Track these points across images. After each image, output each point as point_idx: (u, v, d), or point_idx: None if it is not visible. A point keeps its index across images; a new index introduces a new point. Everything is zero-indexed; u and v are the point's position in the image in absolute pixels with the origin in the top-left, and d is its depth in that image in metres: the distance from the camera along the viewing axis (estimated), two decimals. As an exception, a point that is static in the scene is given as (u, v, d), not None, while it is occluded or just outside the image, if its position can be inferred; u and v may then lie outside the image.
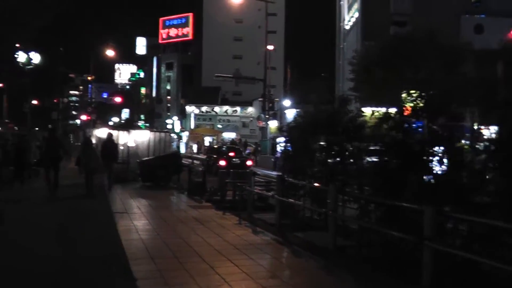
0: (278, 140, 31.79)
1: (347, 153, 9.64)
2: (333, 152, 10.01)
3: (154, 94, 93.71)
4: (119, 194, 15.91)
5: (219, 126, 68.34)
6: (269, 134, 38.03)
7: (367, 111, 11.19)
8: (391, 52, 33.95)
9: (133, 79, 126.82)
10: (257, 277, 6.59)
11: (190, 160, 22.62)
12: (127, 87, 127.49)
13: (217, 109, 69.61)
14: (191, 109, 68.33)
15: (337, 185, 8.52)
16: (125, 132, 20.79)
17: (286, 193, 10.60)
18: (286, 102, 40.01)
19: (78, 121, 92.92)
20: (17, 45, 20.90)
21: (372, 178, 8.06)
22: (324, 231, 9.48)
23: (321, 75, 61.91)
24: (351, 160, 9.54)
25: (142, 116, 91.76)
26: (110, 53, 56.06)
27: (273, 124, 38.65)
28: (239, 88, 74.51)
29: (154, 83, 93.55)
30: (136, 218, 11.18)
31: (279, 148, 31.63)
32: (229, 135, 61.27)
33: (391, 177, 7.49)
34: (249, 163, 27.59)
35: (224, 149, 28.87)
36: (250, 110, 69.20)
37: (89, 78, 47.74)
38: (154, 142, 20.99)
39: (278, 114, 40.92)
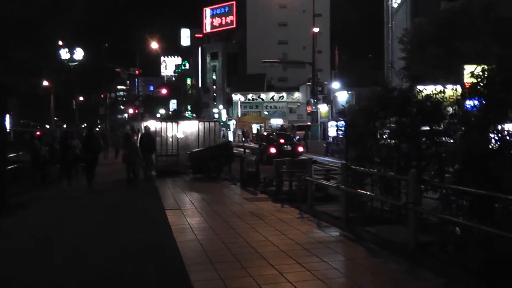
0: (329, 124, 30.64)
1: (423, 136, 8.51)
2: (405, 136, 8.94)
3: (200, 84, 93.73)
4: (170, 188, 15.29)
5: (266, 113, 67.35)
6: (319, 118, 36.83)
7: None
8: (445, 27, 32.20)
9: (178, 70, 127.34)
10: (336, 284, 5.67)
11: (241, 150, 21.82)
12: (173, 78, 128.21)
13: (263, 96, 68.56)
14: (237, 97, 67.57)
15: (415, 173, 7.44)
16: (174, 123, 20.13)
17: (351, 182, 9.62)
18: (336, 85, 38.55)
19: (126, 115, 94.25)
20: (60, 42, 20.54)
21: (460, 164, 6.94)
22: (397, 225, 8.48)
23: (368, 57, 60.13)
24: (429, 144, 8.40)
25: (189, 107, 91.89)
26: (154, 45, 55.83)
27: (323, 108, 37.36)
28: (285, 73, 73.60)
29: (200, 74, 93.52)
30: (190, 215, 10.44)
31: (331, 133, 30.54)
32: (276, 122, 60.27)
33: (483, 164, 6.39)
34: (300, 149, 26.57)
35: (273, 136, 27.96)
36: (297, 95, 67.84)
37: (136, 72, 47.50)
38: (203, 133, 20.24)
39: (328, 98, 39.58)
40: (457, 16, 31.86)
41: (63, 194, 14.69)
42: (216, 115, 71.68)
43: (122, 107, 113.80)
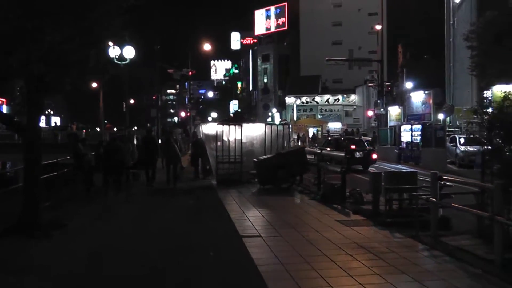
0: (403, 128, 27.55)
1: None
2: None
3: (250, 87, 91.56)
4: (238, 204, 12.78)
5: (319, 116, 64.45)
6: (388, 121, 33.63)
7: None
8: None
9: (228, 74, 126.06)
10: None
11: (314, 156, 19.11)
12: (223, 82, 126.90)
13: (317, 98, 65.71)
14: (291, 100, 64.97)
15: None
16: (237, 127, 17.65)
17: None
18: (408, 85, 35.18)
19: (175, 119, 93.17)
20: (110, 43, 18.87)
21: None
22: None
23: (423, 57, 56.48)
24: None
25: (239, 110, 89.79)
26: (207, 47, 54.04)
27: (394, 111, 34.08)
28: (340, 75, 70.45)
29: (251, 76, 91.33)
30: (278, 247, 7.83)
31: (404, 137, 27.44)
32: (334, 125, 57.23)
33: None
34: (374, 156, 23.66)
35: (342, 140, 25.19)
36: (353, 97, 64.85)
37: (189, 73, 45.49)
38: (270, 137, 17.69)
39: (399, 99, 36.30)
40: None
41: (108, 208, 12.53)
42: (269, 119, 69.15)
43: (171, 110, 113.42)
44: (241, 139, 17.48)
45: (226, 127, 17.64)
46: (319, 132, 53.21)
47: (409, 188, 9.85)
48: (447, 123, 28.97)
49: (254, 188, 15.83)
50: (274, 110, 72.28)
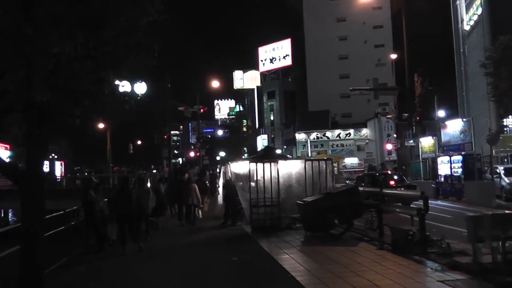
0: (440, 160, 25.19)
1: None
2: None
3: (257, 125, 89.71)
4: (294, 258, 10.27)
5: (330, 151, 62.26)
6: (420, 154, 31.25)
7: None
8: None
9: (232, 113, 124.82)
10: None
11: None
12: (227, 121, 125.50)
13: (328, 133, 63.67)
14: (301, 136, 62.93)
15: None
16: (272, 164, 15.22)
17: None
18: (441, 113, 32.96)
19: (180, 159, 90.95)
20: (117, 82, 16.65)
21: None
22: None
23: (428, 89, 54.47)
24: None
25: (245, 149, 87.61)
26: (215, 84, 52.36)
27: (426, 142, 31.70)
28: (349, 109, 69.13)
29: (256, 114, 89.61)
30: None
31: (442, 170, 25.10)
32: (351, 161, 54.99)
33: None
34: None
35: (378, 176, 22.79)
36: (365, 131, 62.73)
37: (201, 110, 43.39)
38: (311, 175, 15.28)
39: (431, 128, 33.98)
40: None
41: (127, 270, 10.09)
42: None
43: (175, 151, 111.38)
44: (278, 178, 15.08)
45: (259, 165, 15.22)
46: (335, 168, 50.82)
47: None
48: (486, 153, 26.64)
49: (299, 236, 13.38)
50: (284, 147, 70.10)
